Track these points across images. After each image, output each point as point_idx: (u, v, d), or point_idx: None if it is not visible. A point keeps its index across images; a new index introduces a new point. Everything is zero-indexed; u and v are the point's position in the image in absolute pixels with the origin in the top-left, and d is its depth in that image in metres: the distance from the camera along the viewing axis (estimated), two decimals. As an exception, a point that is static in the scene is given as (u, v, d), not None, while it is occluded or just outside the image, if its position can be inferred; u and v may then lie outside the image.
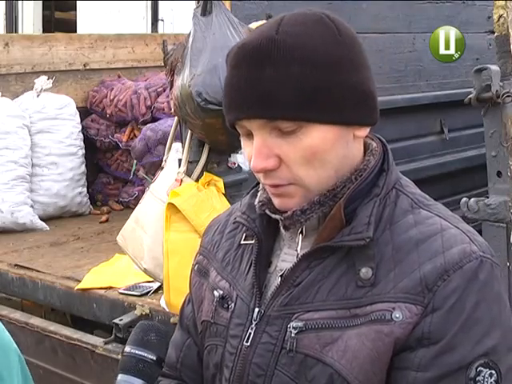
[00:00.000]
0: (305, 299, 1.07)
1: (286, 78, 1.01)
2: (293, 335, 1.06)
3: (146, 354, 1.13)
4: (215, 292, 1.19)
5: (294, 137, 1.03)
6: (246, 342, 1.11)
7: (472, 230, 1.10)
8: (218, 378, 1.17)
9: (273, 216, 1.12)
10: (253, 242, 1.16)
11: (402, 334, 1.01)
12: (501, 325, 1.02)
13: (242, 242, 1.20)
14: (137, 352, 1.13)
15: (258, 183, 1.17)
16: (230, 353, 1.13)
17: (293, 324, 1.06)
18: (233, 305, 1.15)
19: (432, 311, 1.01)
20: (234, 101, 1.05)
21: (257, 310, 1.11)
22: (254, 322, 1.11)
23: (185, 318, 1.30)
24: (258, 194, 1.16)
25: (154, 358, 1.13)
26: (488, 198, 2.50)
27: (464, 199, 2.52)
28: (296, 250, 1.12)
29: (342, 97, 1.03)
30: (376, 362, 1.02)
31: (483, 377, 1.00)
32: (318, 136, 1.03)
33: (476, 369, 1.00)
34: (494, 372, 1.00)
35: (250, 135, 1.07)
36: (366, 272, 1.04)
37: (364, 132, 1.10)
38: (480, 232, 2.56)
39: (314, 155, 1.04)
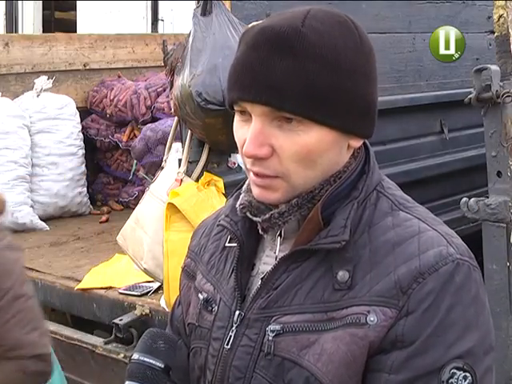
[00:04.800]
0: (283, 302, 1.06)
1: (303, 73, 1.00)
2: (270, 338, 1.05)
3: (154, 362, 1.13)
4: (200, 295, 1.19)
5: (293, 131, 1.03)
6: (227, 344, 1.10)
7: (451, 232, 1.08)
8: (202, 381, 1.17)
9: (253, 219, 1.11)
10: (236, 244, 1.15)
11: (377, 337, 1.00)
12: (478, 327, 1.01)
13: (227, 244, 1.20)
14: (145, 359, 1.13)
15: (242, 186, 1.17)
16: (212, 355, 1.13)
17: (271, 327, 1.06)
18: (216, 308, 1.15)
19: (406, 314, 0.99)
20: (244, 80, 1.03)
21: (237, 312, 1.11)
22: (234, 325, 1.10)
23: (175, 319, 1.30)
24: (240, 197, 1.14)
25: (162, 366, 1.13)
26: (488, 197, 2.50)
27: (464, 199, 2.52)
28: (275, 253, 1.11)
29: (351, 104, 1.03)
30: (351, 366, 1.01)
31: (456, 379, 0.99)
32: (316, 136, 1.03)
33: (449, 371, 0.99)
34: (468, 375, 0.99)
35: (247, 117, 1.05)
36: (342, 275, 1.03)
37: (358, 143, 1.09)
38: (480, 232, 2.57)
39: (307, 154, 1.03)
